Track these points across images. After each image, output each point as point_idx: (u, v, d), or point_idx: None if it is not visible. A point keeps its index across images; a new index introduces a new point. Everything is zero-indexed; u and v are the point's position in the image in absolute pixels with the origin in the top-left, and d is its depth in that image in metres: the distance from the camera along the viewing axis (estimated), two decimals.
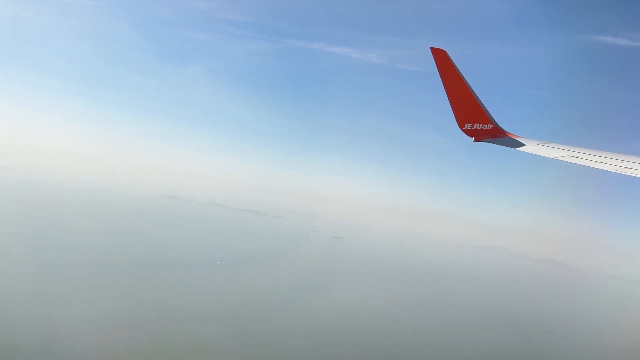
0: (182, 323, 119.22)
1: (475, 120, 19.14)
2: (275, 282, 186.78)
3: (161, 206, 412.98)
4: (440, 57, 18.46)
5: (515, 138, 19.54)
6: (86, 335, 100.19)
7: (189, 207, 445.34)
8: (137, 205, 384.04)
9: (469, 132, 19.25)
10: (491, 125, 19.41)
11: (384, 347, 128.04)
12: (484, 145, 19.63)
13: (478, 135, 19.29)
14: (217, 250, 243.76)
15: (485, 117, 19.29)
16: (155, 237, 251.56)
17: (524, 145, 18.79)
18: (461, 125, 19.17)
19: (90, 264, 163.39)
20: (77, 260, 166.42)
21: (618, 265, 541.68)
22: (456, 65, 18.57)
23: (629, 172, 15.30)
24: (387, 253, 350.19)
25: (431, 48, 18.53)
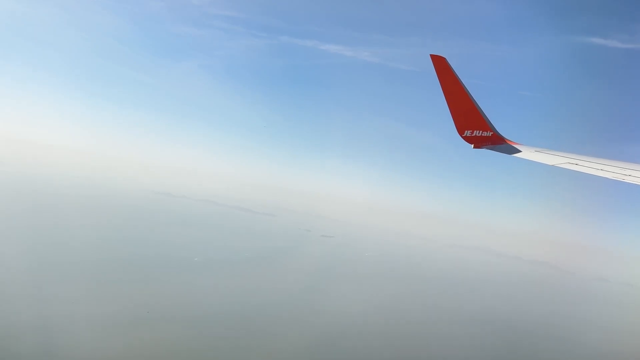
0: (166, 323, 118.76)
1: (475, 127, 19.39)
2: (260, 281, 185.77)
3: (152, 202, 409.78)
4: (440, 64, 18.68)
5: (515, 145, 19.78)
6: (79, 334, 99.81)
7: (180, 204, 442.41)
8: (128, 200, 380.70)
9: (468, 139, 19.51)
10: (491, 132, 19.66)
11: (371, 347, 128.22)
12: (482, 150, 19.82)
13: (478, 142, 19.55)
14: (203, 247, 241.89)
15: (485, 124, 19.54)
16: (143, 234, 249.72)
17: (523, 152, 19.04)
18: (461, 132, 19.42)
19: (81, 261, 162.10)
20: (69, 256, 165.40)
21: (613, 269, 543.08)
22: (455, 72, 18.78)
23: (628, 180, 15.49)
24: (375, 252, 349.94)
25: (431, 55, 18.73)
